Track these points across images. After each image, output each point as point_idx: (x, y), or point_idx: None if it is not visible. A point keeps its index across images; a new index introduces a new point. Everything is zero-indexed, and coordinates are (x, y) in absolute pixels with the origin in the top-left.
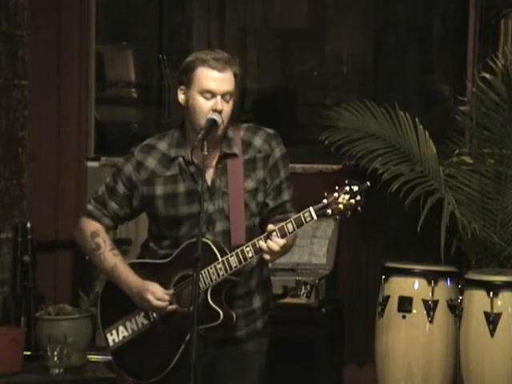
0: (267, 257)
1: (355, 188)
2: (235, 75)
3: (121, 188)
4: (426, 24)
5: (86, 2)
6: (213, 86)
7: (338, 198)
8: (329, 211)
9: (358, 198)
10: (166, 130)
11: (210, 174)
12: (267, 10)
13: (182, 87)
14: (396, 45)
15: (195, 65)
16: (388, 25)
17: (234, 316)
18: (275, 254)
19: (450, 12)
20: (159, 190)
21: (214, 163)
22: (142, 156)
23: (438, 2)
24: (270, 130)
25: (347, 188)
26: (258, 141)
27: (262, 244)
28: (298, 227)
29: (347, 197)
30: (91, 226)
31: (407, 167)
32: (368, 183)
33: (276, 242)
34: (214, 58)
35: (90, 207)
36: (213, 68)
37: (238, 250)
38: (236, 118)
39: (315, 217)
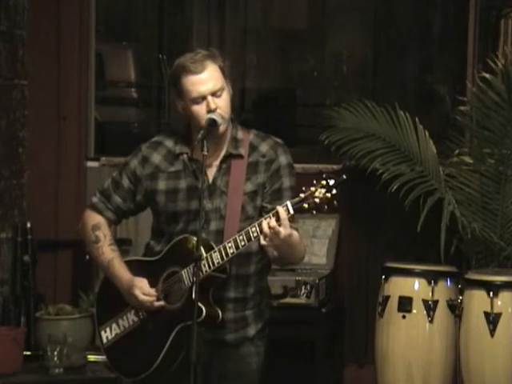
0: (263, 242)
1: (331, 182)
2: (221, 68)
3: (125, 182)
4: (426, 24)
5: (86, 1)
6: (199, 90)
7: (314, 192)
8: (305, 205)
9: (334, 191)
10: (165, 129)
11: (212, 173)
12: (267, 10)
13: (177, 97)
14: (396, 45)
15: (178, 74)
16: (388, 25)
17: (220, 314)
18: (273, 239)
19: (450, 12)
20: (161, 184)
21: (218, 162)
22: (149, 151)
23: (437, 1)
24: (279, 140)
25: (323, 182)
26: (264, 146)
27: (264, 225)
28: (277, 221)
29: (323, 190)
30: (94, 218)
31: (407, 167)
32: (344, 176)
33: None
34: (192, 61)
35: (94, 199)
36: (193, 73)
37: (221, 246)
38: (237, 115)
39: (291, 211)
